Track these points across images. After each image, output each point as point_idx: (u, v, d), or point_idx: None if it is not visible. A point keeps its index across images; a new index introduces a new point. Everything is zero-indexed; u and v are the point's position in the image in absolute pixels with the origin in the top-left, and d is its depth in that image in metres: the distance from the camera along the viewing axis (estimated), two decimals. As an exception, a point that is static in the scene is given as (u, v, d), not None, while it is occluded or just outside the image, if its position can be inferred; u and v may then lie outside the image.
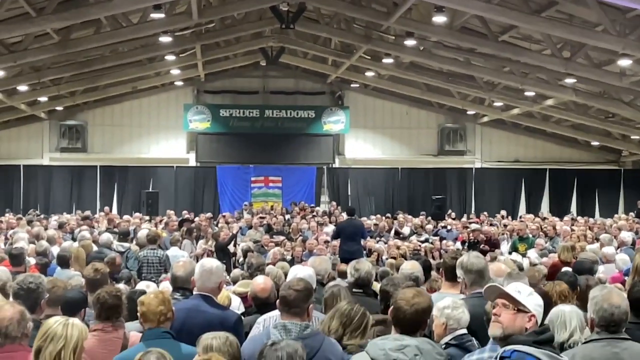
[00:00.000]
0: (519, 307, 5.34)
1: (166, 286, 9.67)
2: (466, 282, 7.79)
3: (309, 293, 6.71)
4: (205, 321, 7.30)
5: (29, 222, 24.26)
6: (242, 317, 8.32)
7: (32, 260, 13.54)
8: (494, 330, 5.43)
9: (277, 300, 6.81)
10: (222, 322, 7.21)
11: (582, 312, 7.03)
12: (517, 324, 5.30)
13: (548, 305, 7.21)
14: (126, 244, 18.16)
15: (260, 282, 8.87)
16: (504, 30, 25.13)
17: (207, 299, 7.74)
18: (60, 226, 23.48)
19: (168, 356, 5.56)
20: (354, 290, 9.18)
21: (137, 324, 7.31)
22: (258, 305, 8.65)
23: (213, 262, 8.11)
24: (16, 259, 12.36)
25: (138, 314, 7.01)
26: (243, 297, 10.25)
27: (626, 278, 11.03)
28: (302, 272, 8.39)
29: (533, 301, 5.40)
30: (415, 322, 5.85)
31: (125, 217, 28.59)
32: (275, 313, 7.02)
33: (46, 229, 21.51)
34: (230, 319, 7.58)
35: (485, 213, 33.25)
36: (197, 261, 10.59)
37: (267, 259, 18.22)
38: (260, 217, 28.09)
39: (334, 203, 34.98)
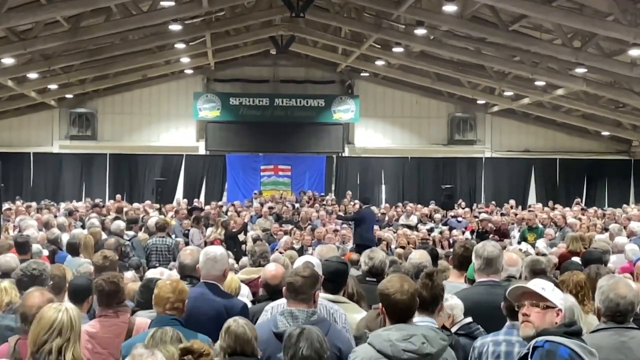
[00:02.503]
0: (547, 304, 5.39)
1: (174, 274, 9.67)
2: (475, 267, 7.80)
3: (315, 279, 6.74)
4: (211, 309, 7.32)
5: (39, 210, 24.31)
6: (251, 305, 8.34)
7: (45, 252, 13.52)
8: (526, 331, 5.44)
9: (284, 287, 6.81)
10: (228, 310, 7.23)
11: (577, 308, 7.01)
12: (547, 320, 5.36)
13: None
14: (131, 232, 18.13)
15: (272, 269, 8.84)
16: (514, 19, 25.05)
17: (213, 286, 7.74)
18: (70, 214, 23.51)
19: (180, 334, 5.62)
20: (367, 279, 9.16)
21: (151, 313, 7.37)
22: (269, 292, 8.64)
23: (217, 250, 8.10)
24: (22, 247, 12.29)
25: (153, 296, 7.07)
26: (246, 284, 10.26)
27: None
28: (309, 259, 8.38)
29: (558, 296, 5.47)
30: (410, 309, 5.84)
31: (135, 204, 28.64)
32: (284, 300, 7.04)
33: (55, 216, 21.54)
34: (236, 306, 7.58)
35: (493, 203, 33.20)
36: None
37: (279, 247, 18.30)
38: (270, 207, 28.10)
39: (349, 192, 34.93)
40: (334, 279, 7.80)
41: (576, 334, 5.19)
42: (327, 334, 6.03)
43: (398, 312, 5.79)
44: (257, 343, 6.14)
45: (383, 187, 39.28)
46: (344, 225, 24.66)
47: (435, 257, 11.13)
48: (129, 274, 11.30)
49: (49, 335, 5.58)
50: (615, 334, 5.83)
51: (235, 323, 6.12)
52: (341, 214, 27.64)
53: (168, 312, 6.77)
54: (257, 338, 6.15)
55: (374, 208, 28.85)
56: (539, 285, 5.51)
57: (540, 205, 31.61)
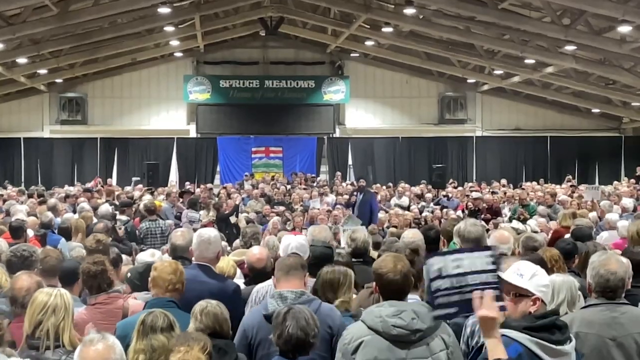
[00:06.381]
0: (519, 292, 5.17)
1: (166, 257, 9.64)
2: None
3: (304, 261, 6.82)
4: (203, 291, 7.29)
5: (30, 196, 24.25)
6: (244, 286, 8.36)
7: (30, 233, 13.45)
8: None
9: (276, 268, 6.86)
10: (221, 292, 7.21)
11: (577, 282, 7.02)
12: (519, 309, 5.16)
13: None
14: (124, 217, 18.02)
15: (256, 253, 8.84)
16: (503, -3, 25.07)
17: (206, 268, 7.75)
18: (67, 197, 23.45)
19: (171, 317, 5.60)
20: (352, 259, 9.21)
21: (147, 295, 7.37)
22: (255, 275, 8.64)
23: (211, 232, 8.11)
24: (16, 231, 12.26)
25: (149, 279, 7.05)
26: (237, 265, 10.27)
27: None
28: (295, 240, 8.37)
29: (536, 282, 5.21)
30: (403, 288, 5.85)
31: (127, 188, 28.58)
32: (269, 282, 7.11)
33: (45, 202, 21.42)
34: (229, 288, 7.60)
35: (494, 183, 33.12)
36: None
37: (267, 228, 18.29)
38: (261, 189, 28.08)
39: (338, 173, 34.97)
40: (319, 263, 7.82)
41: (543, 328, 5.01)
42: (317, 313, 6.06)
43: (391, 291, 5.81)
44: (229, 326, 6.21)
45: (374, 167, 39.25)
46: (338, 206, 24.65)
47: (437, 240, 10.88)
48: (124, 258, 11.28)
49: (43, 315, 5.64)
50: (607, 310, 5.86)
51: (209, 304, 6.17)
52: (333, 195, 27.67)
53: (168, 294, 6.78)
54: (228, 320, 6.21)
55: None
56: (516, 270, 5.28)
57: (530, 183, 31.62)
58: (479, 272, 4.90)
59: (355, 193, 24.14)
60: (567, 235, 11.94)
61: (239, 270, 9.92)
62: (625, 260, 6.85)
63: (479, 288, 4.84)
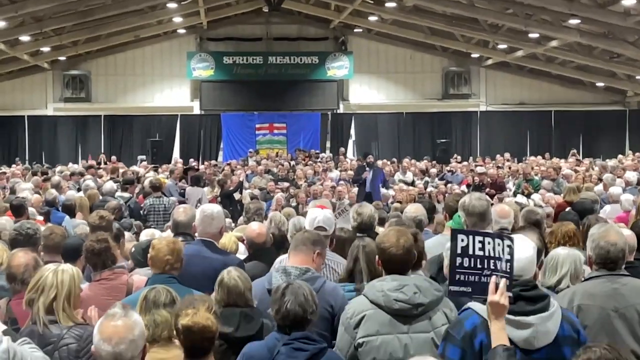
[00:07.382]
0: None
1: (169, 234, 9.64)
2: (467, 224, 7.72)
3: (318, 237, 6.81)
4: (207, 266, 7.33)
5: (34, 173, 24.27)
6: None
7: (39, 217, 13.42)
8: None
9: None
10: (224, 267, 7.18)
11: (583, 256, 7.01)
12: None
13: (539, 251, 7.17)
14: (126, 195, 17.97)
15: (255, 228, 8.80)
16: (507, -29, 24.98)
17: (209, 244, 7.77)
18: (72, 174, 23.47)
19: (173, 293, 5.61)
20: (357, 234, 9.19)
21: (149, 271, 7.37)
22: (255, 251, 8.63)
23: (214, 208, 8.12)
24: (18, 209, 12.24)
25: (148, 257, 7.06)
26: (240, 241, 10.28)
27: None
28: (321, 214, 8.27)
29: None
30: (405, 263, 5.85)
31: (134, 168, 28.57)
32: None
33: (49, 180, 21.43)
34: (232, 263, 7.55)
35: (497, 157, 33.05)
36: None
37: (272, 205, 18.30)
38: (265, 166, 28.08)
39: (342, 149, 34.94)
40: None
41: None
42: (320, 291, 6.06)
43: (393, 266, 5.81)
44: (251, 294, 6.25)
45: (378, 143, 39.23)
46: (341, 182, 24.66)
47: (432, 210, 11.07)
48: (127, 235, 11.29)
49: (34, 293, 5.65)
50: (608, 281, 5.86)
51: (228, 276, 6.22)
52: (337, 171, 27.70)
53: (167, 272, 6.79)
54: (251, 289, 6.26)
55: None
56: None
57: (534, 157, 31.58)
58: (499, 259, 4.93)
59: (367, 169, 24.03)
60: (569, 209, 11.95)
61: (242, 246, 9.93)
62: (628, 232, 6.86)
63: (496, 274, 4.87)
